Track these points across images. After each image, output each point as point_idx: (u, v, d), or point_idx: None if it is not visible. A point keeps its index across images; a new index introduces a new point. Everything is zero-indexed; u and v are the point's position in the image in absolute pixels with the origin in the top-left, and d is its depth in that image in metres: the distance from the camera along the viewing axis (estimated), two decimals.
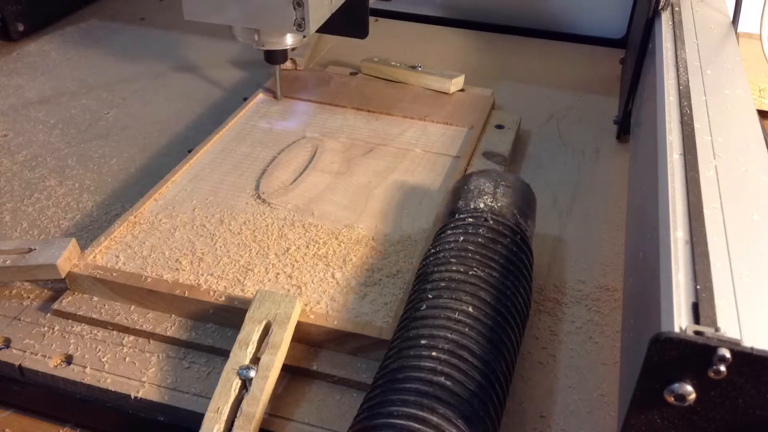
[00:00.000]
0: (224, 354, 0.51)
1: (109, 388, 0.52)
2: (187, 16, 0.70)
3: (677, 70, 0.61)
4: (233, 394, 0.47)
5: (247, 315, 0.52)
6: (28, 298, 0.59)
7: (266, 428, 0.49)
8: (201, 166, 0.72)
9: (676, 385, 0.34)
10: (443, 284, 0.48)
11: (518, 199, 0.57)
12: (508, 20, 1.13)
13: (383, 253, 0.61)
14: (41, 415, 0.54)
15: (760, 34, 0.76)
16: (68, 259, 0.58)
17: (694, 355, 0.33)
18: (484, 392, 0.43)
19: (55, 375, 0.53)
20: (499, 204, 0.55)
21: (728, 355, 0.33)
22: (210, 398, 0.47)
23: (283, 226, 0.64)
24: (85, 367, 0.53)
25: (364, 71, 0.91)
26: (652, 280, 0.42)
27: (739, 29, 0.74)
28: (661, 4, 0.74)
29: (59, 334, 0.56)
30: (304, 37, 0.73)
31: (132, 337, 0.56)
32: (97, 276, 0.57)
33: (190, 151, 0.75)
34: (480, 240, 0.51)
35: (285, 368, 0.52)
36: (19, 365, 0.53)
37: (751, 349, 0.32)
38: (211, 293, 0.56)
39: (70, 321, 0.57)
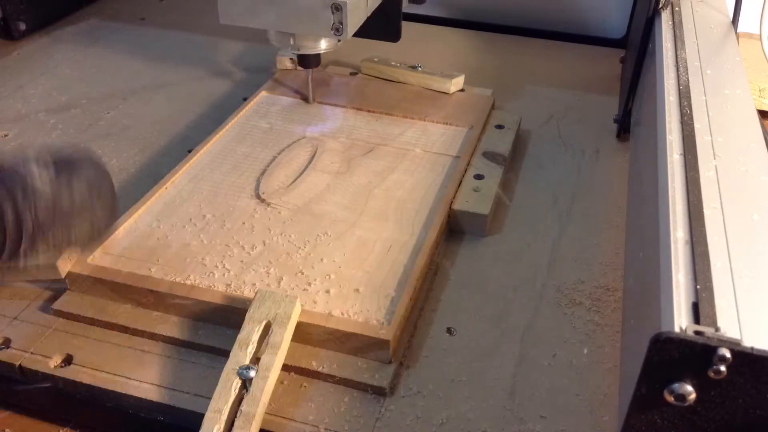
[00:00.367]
0: (224, 354, 0.51)
1: (109, 388, 0.52)
2: (223, 20, 0.70)
3: (677, 70, 0.61)
4: (233, 394, 0.47)
5: (248, 315, 0.52)
6: (29, 298, 0.59)
7: (266, 428, 0.48)
8: (201, 166, 0.72)
9: (676, 385, 0.34)
10: None
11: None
12: (508, 20, 1.13)
13: (383, 253, 0.61)
14: (41, 416, 0.55)
15: (760, 34, 0.76)
16: (68, 259, 0.58)
17: (695, 355, 0.33)
18: None
19: (55, 375, 0.53)
20: None
21: (728, 355, 0.33)
22: (210, 398, 0.47)
23: (283, 226, 0.64)
24: (84, 367, 0.53)
25: (364, 71, 0.91)
26: (652, 280, 0.42)
27: (739, 29, 0.74)
28: (661, 3, 0.74)
29: (59, 334, 0.56)
30: (339, 41, 0.73)
31: (132, 337, 0.56)
32: (97, 276, 0.57)
33: (190, 151, 0.75)
34: None
35: (285, 368, 0.52)
36: (19, 365, 0.53)
37: (751, 349, 0.33)
38: (211, 293, 0.56)
39: (70, 321, 0.57)
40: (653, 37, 0.74)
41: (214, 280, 0.57)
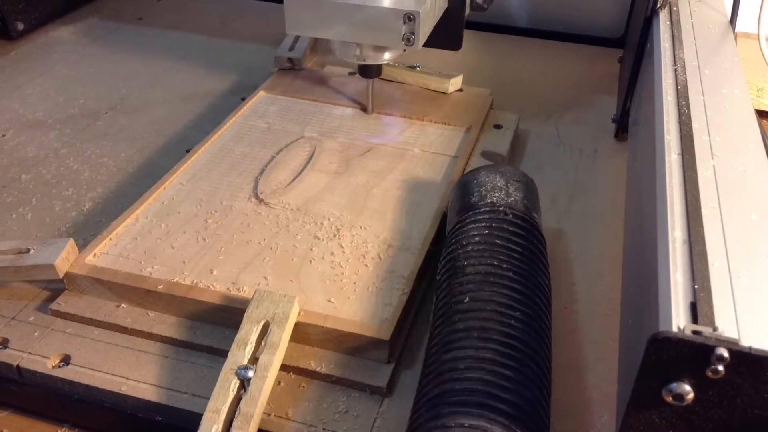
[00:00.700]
0: (222, 354, 0.51)
1: (107, 388, 0.52)
2: (289, 30, 0.69)
3: (675, 70, 0.61)
4: (231, 394, 0.47)
5: (246, 315, 0.52)
6: (26, 298, 0.59)
7: (264, 428, 0.48)
8: (199, 166, 0.72)
9: (674, 385, 0.34)
10: (480, 278, 0.49)
11: (528, 193, 0.59)
12: (507, 20, 1.13)
13: (381, 253, 0.61)
14: (39, 416, 0.54)
15: (758, 34, 0.76)
16: (66, 259, 0.58)
17: (692, 354, 0.33)
18: (538, 379, 0.44)
19: (53, 375, 0.52)
20: (512, 198, 0.56)
21: (726, 354, 0.33)
22: (208, 398, 0.47)
23: (281, 226, 0.64)
24: (82, 368, 0.53)
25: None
26: (650, 279, 0.42)
27: (737, 29, 0.74)
28: (660, 3, 0.74)
29: (57, 334, 0.56)
30: (404, 50, 0.72)
31: (130, 338, 0.56)
32: (95, 276, 0.57)
33: (188, 151, 0.75)
34: (504, 234, 0.53)
35: (283, 368, 0.52)
36: (17, 365, 0.53)
37: (749, 348, 0.32)
38: (209, 293, 0.56)
39: (68, 321, 0.57)
40: (651, 37, 0.74)
41: (212, 280, 0.57)
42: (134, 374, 0.53)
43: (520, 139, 0.84)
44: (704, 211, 0.43)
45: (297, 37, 1.01)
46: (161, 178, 0.70)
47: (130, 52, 1.04)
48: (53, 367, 0.53)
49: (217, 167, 0.72)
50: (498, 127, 0.81)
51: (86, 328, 0.56)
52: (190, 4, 1.22)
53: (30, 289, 0.60)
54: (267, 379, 0.48)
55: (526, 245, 0.52)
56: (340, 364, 0.53)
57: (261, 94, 0.86)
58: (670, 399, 0.35)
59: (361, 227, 0.64)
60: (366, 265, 0.59)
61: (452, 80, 0.86)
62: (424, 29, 0.67)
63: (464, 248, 0.53)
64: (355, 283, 0.57)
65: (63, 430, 0.54)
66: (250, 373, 0.48)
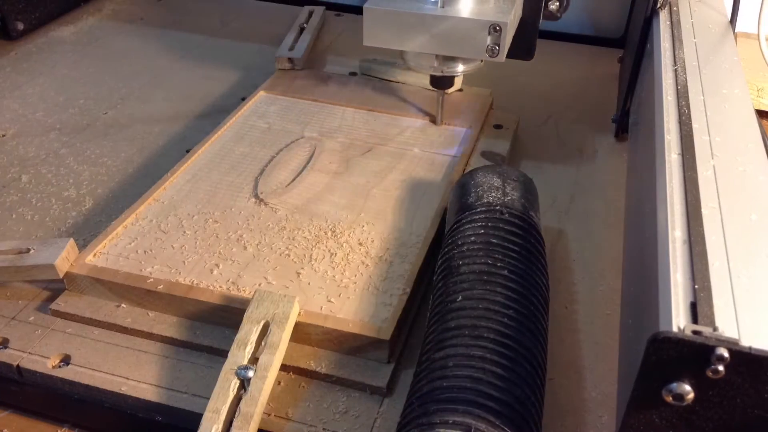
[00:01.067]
0: (222, 354, 0.51)
1: (107, 388, 0.52)
2: (367, 42, 0.67)
3: (675, 70, 0.61)
4: (231, 394, 0.47)
5: (246, 315, 0.52)
6: (26, 298, 0.59)
7: (264, 428, 0.48)
8: (199, 166, 0.72)
9: (674, 385, 0.34)
10: (474, 276, 0.49)
11: (525, 192, 0.59)
12: None
13: (382, 253, 0.61)
14: (39, 416, 0.54)
15: (758, 34, 0.76)
16: (66, 259, 0.58)
17: (693, 354, 0.33)
18: (530, 378, 0.44)
19: (53, 375, 0.52)
20: (509, 198, 0.56)
21: (726, 354, 0.33)
22: (208, 398, 0.47)
23: (281, 226, 0.64)
24: (82, 368, 0.53)
25: (362, 71, 0.91)
26: (650, 279, 0.42)
27: (737, 29, 0.74)
28: (660, 2, 0.74)
29: (57, 334, 0.56)
30: (482, 62, 0.71)
31: (130, 337, 0.56)
32: (95, 276, 0.57)
33: (188, 151, 0.75)
34: (500, 233, 0.53)
35: (283, 368, 0.52)
36: (17, 365, 0.53)
37: (749, 348, 0.32)
38: (209, 293, 0.56)
39: (68, 321, 0.57)
40: (651, 37, 0.74)
41: (212, 280, 0.57)
42: (134, 374, 0.53)
43: (520, 139, 0.84)
44: (704, 211, 0.43)
45: (297, 37, 1.01)
46: (161, 178, 0.70)
47: (130, 52, 1.04)
48: (53, 367, 0.53)
49: (217, 167, 0.72)
50: (498, 127, 0.81)
51: (86, 328, 0.56)
52: (190, 4, 1.22)
53: (30, 289, 0.60)
54: (267, 379, 0.48)
55: (523, 244, 0.52)
56: (340, 364, 0.53)
57: (261, 94, 0.86)
58: (670, 399, 0.35)
59: (361, 227, 0.64)
60: (366, 265, 0.59)
61: None
62: (509, 40, 0.66)
63: (459, 248, 0.53)
64: (355, 283, 0.57)
65: (63, 430, 0.54)
66: (250, 373, 0.48)
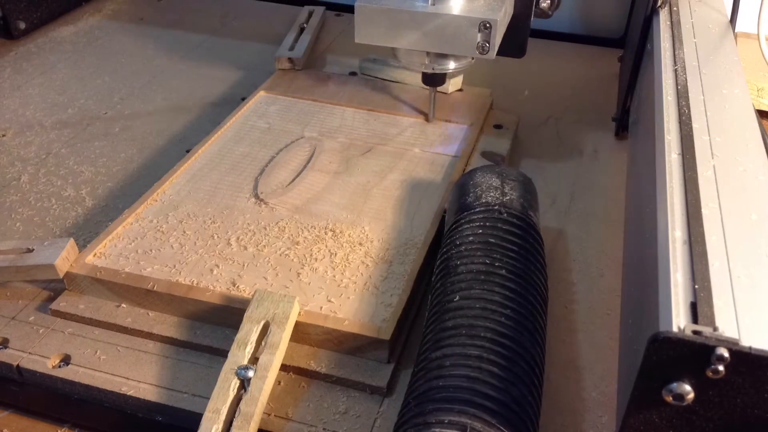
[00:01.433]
0: (223, 354, 0.51)
1: (107, 389, 0.52)
2: (359, 39, 0.68)
3: (675, 70, 0.61)
4: (231, 394, 0.47)
5: (246, 315, 0.52)
6: (26, 298, 0.59)
7: (264, 428, 0.48)
8: (199, 166, 0.72)
9: (674, 385, 0.34)
10: (471, 276, 0.49)
11: (524, 192, 0.59)
12: None
13: (382, 253, 0.61)
14: (39, 416, 0.54)
15: (758, 34, 0.76)
16: (66, 259, 0.58)
17: (693, 354, 0.33)
18: (527, 377, 0.44)
19: (53, 375, 0.52)
20: (507, 197, 0.56)
21: (726, 354, 0.33)
22: (208, 398, 0.47)
23: (281, 226, 0.64)
24: (83, 368, 0.53)
25: (362, 71, 0.91)
26: (650, 279, 0.42)
27: (737, 29, 0.74)
28: (659, 2, 0.74)
29: (57, 334, 0.56)
30: (473, 59, 0.72)
31: (130, 337, 0.56)
32: (95, 276, 0.57)
33: (188, 151, 0.75)
34: (498, 233, 0.53)
35: (283, 368, 0.52)
36: (17, 365, 0.53)
37: (750, 348, 0.32)
38: (210, 293, 0.56)
39: (68, 321, 0.57)
40: (651, 37, 0.74)
41: (212, 280, 0.57)
42: (134, 374, 0.53)
43: (520, 139, 0.84)
44: (704, 211, 0.43)
45: (297, 37, 1.01)
46: (161, 178, 0.70)
47: (130, 52, 1.04)
48: (53, 367, 0.53)
49: (217, 167, 0.72)
50: (498, 127, 0.81)
51: (86, 328, 0.56)
52: (190, 4, 1.22)
53: (30, 289, 0.60)
54: (267, 379, 0.48)
55: (521, 244, 0.52)
56: (340, 364, 0.53)
57: (261, 94, 0.86)
58: (670, 399, 0.35)
59: (361, 227, 0.64)
60: (366, 265, 0.59)
61: (452, 80, 0.86)
62: (499, 38, 0.66)
63: (458, 248, 0.53)
64: (355, 283, 0.57)
65: (63, 430, 0.54)
66: (250, 373, 0.48)
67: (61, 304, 0.57)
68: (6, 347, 0.55)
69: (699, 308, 0.36)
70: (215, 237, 0.62)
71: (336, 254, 0.60)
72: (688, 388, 0.34)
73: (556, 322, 0.58)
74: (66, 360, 0.54)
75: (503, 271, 0.49)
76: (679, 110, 0.55)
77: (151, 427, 0.51)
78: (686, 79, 0.60)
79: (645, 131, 0.64)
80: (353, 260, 0.60)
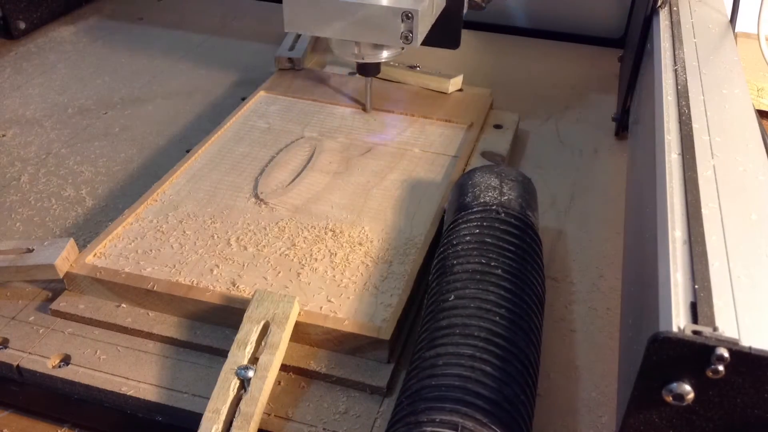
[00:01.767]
0: (222, 354, 0.51)
1: (107, 388, 0.51)
2: (288, 28, 0.69)
3: (675, 70, 0.61)
4: (231, 394, 0.47)
5: (246, 315, 0.52)
6: (26, 298, 0.59)
7: (264, 428, 0.48)
8: (199, 166, 0.72)
9: (674, 385, 0.34)
10: (467, 276, 0.49)
11: (523, 192, 0.59)
12: (507, 20, 1.13)
13: (382, 253, 0.61)
14: (39, 416, 0.54)
15: (758, 34, 0.76)
16: (66, 259, 0.58)
17: (693, 354, 0.33)
18: (520, 376, 0.44)
19: (53, 375, 0.52)
20: (506, 197, 0.56)
21: (726, 354, 0.33)
22: (208, 398, 0.47)
23: (281, 226, 0.64)
24: (83, 368, 0.53)
25: None
26: (650, 279, 0.42)
27: (737, 29, 0.74)
28: (659, 2, 0.74)
29: (57, 334, 0.56)
30: (403, 49, 0.72)
31: (130, 337, 0.56)
32: (95, 276, 0.57)
33: (188, 151, 0.75)
34: (495, 233, 0.53)
35: (283, 368, 0.52)
36: (17, 365, 0.53)
37: (749, 348, 0.32)
38: (209, 293, 0.56)
39: (68, 321, 0.57)
40: (651, 37, 0.74)
41: (212, 280, 0.57)
42: (134, 374, 0.53)
43: (521, 139, 0.84)
44: (704, 211, 0.43)
45: (297, 37, 1.01)
46: (161, 178, 0.70)
47: (130, 52, 1.04)
48: (53, 367, 0.53)
49: (217, 167, 0.72)
50: (498, 127, 0.81)
51: (86, 328, 0.56)
52: (190, 4, 1.22)
53: (30, 289, 0.60)
54: (267, 379, 0.48)
55: (518, 243, 0.52)
56: (340, 364, 0.53)
57: (261, 94, 0.86)
58: (670, 399, 0.35)
59: (361, 227, 0.64)
60: (366, 265, 0.59)
61: (452, 80, 0.86)
62: (422, 27, 0.67)
63: (454, 247, 0.53)
64: (355, 283, 0.57)
65: (63, 430, 0.54)
66: (250, 373, 0.48)
67: (61, 304, 0.57)
68: (6, 347, 0.55)
69: (699, 308, 0.36)
70: (215, 237, 0.62)
71: (336, 254, 0.60)
72: (688, 388, 0.34)
73: (555, 322, 0.58)
74: (66, 360, 0.54)
75: (499, 271, 0.49)
76: (679, 110, 0.55)
77: (151, 427, 0.51)
78: (686, 79, 0.60)
79: (645, 131, 0.64)
80: (353, 260, 0.60)
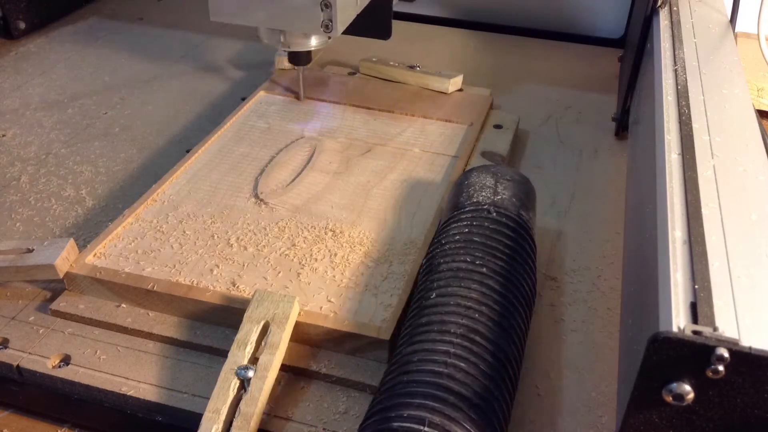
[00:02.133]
0: (223, 354, 0.51)
1: (107, 389, 0.51)
2: (213, 17, 0.70)
3: (675, 70, 0.61)
4: (231, 394, 0.47)
5: (246, 315, 0.52)
6: (26, 298, 0.59)
7: (264, 428, 0.48)
8: (199, 166, 0.72)
9: (674, 385, 0.34)
10: (450, 274, 0.50)
11: (518, 191, 0.59)
12: (507, 20, 1.13)
13: (382, 253, 0.61)
14: (39, 416, 0.54)
15: (758, 34, 0.76)
16: (66, 259, 0.58)
17: (693, 354, 0.33)
18: (496, 373, 0.44)
19: (53, 375, 0.52)
20: (499, 197, 0.56)
21: (726, 354, 0.33)
22: (208, 398, 0.47)
23: (281, 226, 0.64)
24: (83, 368, 0.53)
25: (362, 71, 0.91)
26: (650, 279, 0.42)
27: (737, 29, 0.74)
28: (660, 1, 0.74)
29: (57, 334, 0.56)
30: (329, 38, 0.73)
31: (130, 337, 0.56)
32: (95, 276, 0.57)
33: (188, 151, 0.75)
34: (484, 231, 0.53)
35: (283, 368, 0.52)
36: (17, 365, 0.53)
37: (749, 348, 0.32)
38: (209, 293, 0.56)
39: (68, 321, 0.57)
40: (651, 37, 0.74)
41: (212, 280, 0.57)
42: (134, 374, 0.53)
43: (521, 139, 0.84)
44: (704, 211, 0.43)
45: None
46: (161, 178, 0.70)
47: (130, 52, 1.04)
48: (53, 367, 0.53)
49: (217, 167, 0.72)
50: (498, 127, 0.81)
51: (86, 328, 0.56)
52: (189, 4, 1.22)
53: (30, 289, 0.60)
54: (267, 379, 0.48)
55: (507, 242, 0.52)
56: (341, 364, 0.53)
57: (261, 94, 0.86)
58: (670, 399, 0.35)
59: (361, 227, 0.64)
60: (366, 265, 0.59)
61: (452, 80, 0.86)
62: (342, 17, 0.68)
63: (442, 246, 0.53)
64: (355, 283, 0.57)
65: (63, 430, 0.54)
66: (250, 373, 0.48)
67: (61, 304, 0.57)
68: (6, 347, 0.55)
69: (699, 308, 0.36)
70: (215, 237, 0.62)
71: (336, 254, 0.60)
72: (688, 388, 0.34)
73: (556, 322, 0.58)
74: (66, 360, 0.54)
75: (484, 269, 0.50)
76: (679, 110, 0.55)
77: (151, 427, 0.51)
78: (686, 79, 0.60)
79: (645, 131, 0.64)
80: (353, 260, 0.60)
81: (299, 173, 0.71)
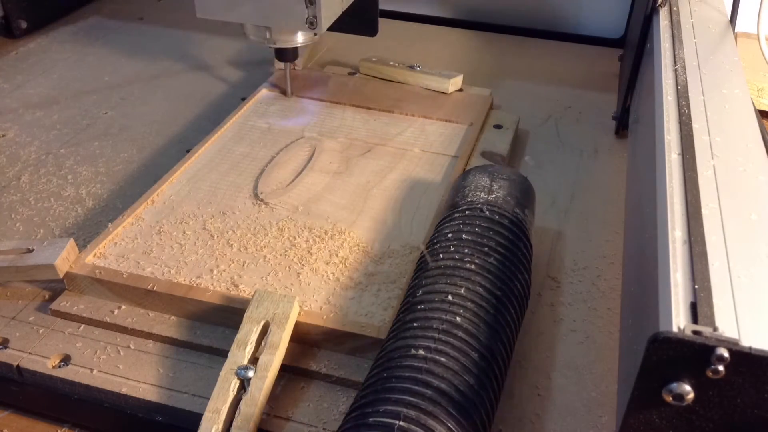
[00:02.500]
0: (222, 354, 0.51)
1: (107, 389, 0.51)
2: (200, 14, 0.70)
3: (675, 70, 0.61)
4: (231, 394, 0.47)
5: (246, 315, 0.52)
6: (26, 298, 0.59)
7: (264, 428, 0.48)
8: (199, 166, 0.72)
9: (674, 385, 0.34)
10: (438, 272, 0.50)
11: (514, 190, 0.59)
12: (507, 20, 1.13)
13: (381, 253, 0.61)
14: (39, 416, 0.54)
15: (758, 34, 0.76)
16: (66, 259, 0.58)
17: (693, 354, 0.33)
18: (479, 368, 0.44)
19: (53, 375, 0.52)
20: (494, 196, 0.56)
21: (726, 354, 0.33)
22: (208, 398, 0.47)
23: (281, 226, 0.64)
24: (82, 368, 0.53)
25: (362, 71, 0.91)
26: (650, 279, 0.42)
27: (737, 29, 0.74)
28: (659, 1, 0.74)
29: (57, 334, 0.56)
30: (315, 35, 0.73)
31: (130, 338, 0.56)
32: (95, 276, 0.57)
33: (188, 151, 0.75)
34: (476, 230, 0.53)
35: (283, 368, 0.52)
36: (17, 365, 0.53)
37: (750, 348, 0.32)
38: (209, 293, 0.56)
39: (68, 321, 0.57)
40: (651, 36, 0.74)
41: (212, 280, 0.57)
42: (134, 374, 0.53)
43: (521, 139, 0.84)
44: (704, 211, 0.43)
45: None
46: (161, 178, 0.70)
47: (130, 52, 1.04)
48: (53, 367, 0.53)
49: (217, 167, 0.72)
50: (498, 126, 0.81)
51: (86, 328, 0.56)
52: (190, 4, 1.21)
53: (30, 289, 0.60)
54: (267, 379, 0.48)
55: (499, 240, 0.52)
56: (341, 365, 0.53)
57: (261, 93, 0.86)
58: (670, 399, 0.34)
59: (361, 227, 0.64)
60: (366, 265, 0.59)
61: (452, 80, 0.86)
62: (327, 13, 0.68)
63: (433, 246, 0.53)
64: (355, 283, 0.57)
65: (63, 430, 0.54)
66: (250, 373, 0.48)
67: (61, 304, 0.57)
68: (6, 347, 0.55)
69: (699, 308, 0.36)
70: (215, 237, 0.62)
71: (336, 254, 0.60)
72: (688, 388, 0.34)
73: (556, 322, 0.58)
74: (66, 360, 0.54)
75: (472, 267, 0.50)
76: (679, 110, 0.55)
77: (151, 427, 0.51)
78: (686, 79, 0.60)
79: (645, 131, 0.64)
80: (353, 260, 0.60)
81: (299, 173, 0.71)
